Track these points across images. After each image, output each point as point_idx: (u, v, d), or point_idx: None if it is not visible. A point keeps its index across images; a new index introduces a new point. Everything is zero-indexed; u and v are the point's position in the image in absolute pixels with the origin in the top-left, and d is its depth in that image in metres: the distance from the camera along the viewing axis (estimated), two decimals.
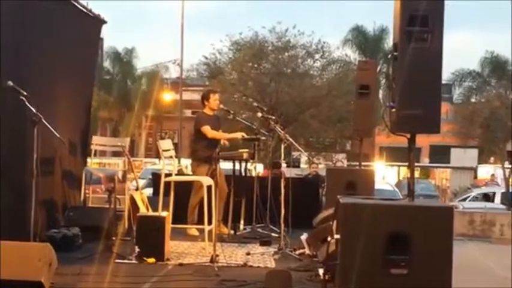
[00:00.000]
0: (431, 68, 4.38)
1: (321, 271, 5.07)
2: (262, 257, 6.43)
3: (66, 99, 7.45)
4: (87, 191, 7.97)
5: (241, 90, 24.96)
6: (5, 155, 5.82)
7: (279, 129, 7.52)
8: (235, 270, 5.70)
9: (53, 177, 7.05)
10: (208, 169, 7.53)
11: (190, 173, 8.32)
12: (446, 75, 27.09)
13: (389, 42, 29.30)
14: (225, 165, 8.05)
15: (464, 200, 21.75)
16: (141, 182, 12.41)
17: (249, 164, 8.15)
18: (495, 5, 66.22)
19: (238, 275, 5.36)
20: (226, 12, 76.01)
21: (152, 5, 74.28)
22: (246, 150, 7.77)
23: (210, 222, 6.53)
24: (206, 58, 27.75)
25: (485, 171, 32.74)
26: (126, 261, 5.85)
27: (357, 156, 9.95)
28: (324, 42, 26.53)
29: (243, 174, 8.00)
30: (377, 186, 8.70)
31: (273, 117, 8.17)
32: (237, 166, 7.87)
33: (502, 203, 20.26)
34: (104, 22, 8.44)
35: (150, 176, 11.78)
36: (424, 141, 34.74)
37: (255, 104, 17.37)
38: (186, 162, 19.59)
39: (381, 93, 28.68)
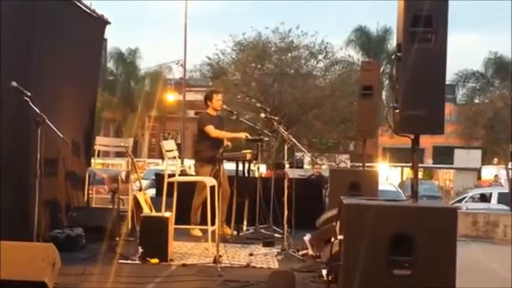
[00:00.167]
0: (435, 68, 4.37)
1: (324, 272, 5.07)
2: (265, 258, 6.43)
3: (70, 100, 7.46)
4: (90, 192, 7.98)
5: (245, 90, 24.99)
6: (8, 155, 5.83)
7: (282, 130, 7.51)
8: (238, 270, 5.70)
9: (57, 178, 7.06)
10: (212, 169, 7.54)
11: (194, 173, 8.32)
12: (449, 75, 27.13)
13: (392, 43, 29.34)
14: (228, 166, 8.05)
15: (461, 200, 21.70)
16: (145, 183, 12.45)
17: (252, 165, 8.15)
18: (499, 5, 66.11)
19: (241, 276, 5.36)
20: (229, 12, 76.14)
21: (155, 6, 74.51)
22: (249, 151, 7.77)
23: (213, 223, 6.52)
24: (209, 59, 27.83)
25: (488, 172, 32.68)
26: (129, 261, 5.85)
27: (360, 157, 9.95)
28: (327, 43, 26.59)
29: (246, 174, 8.00)
30: (380, 187, 8.69)
31: (276, 118, 8.18)
32: (240, 167, 7.87)
33: (498, 203, 20.20)
34: (108, 23, 8.44)
35: (154, 177, 11.81)
36: (427, 142, 34.68)
37: (258, 104, 17.44)
38: (189, 163, 19.64)
39: (384, 94, 28.66)
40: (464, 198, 22.16)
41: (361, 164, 8.96)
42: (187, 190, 7.56)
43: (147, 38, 72.16)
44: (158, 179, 9.23)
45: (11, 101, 5.70)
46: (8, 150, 5.85)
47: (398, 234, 4.13)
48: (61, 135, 5.86)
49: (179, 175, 7.70)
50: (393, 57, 4.59)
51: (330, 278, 4.76)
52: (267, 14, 66.32)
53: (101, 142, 8.43)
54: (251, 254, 6.50)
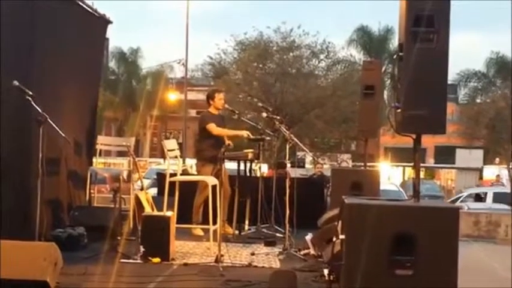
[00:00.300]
0: (437, 68, 4.37)
1: (326, 271, 5.07)
2: (267, 257, 6.43)
3: (72, 99, 7.47)
4: (92, 191, 7.99)
5: (246, 90, 24.99)
6: (10, 154, 5.84)
7: (284, 130, 7.51)
8: (240, 270, 5.70)
9: (59, 177, 7.07)
10: (213, 169, 7.53)
11: (195, 172, 8.32)
12: (451, 75, 27.07)
13: (394, 43, 29.32)
14: (230, 165, 8.05)
15: (456, 200, 21.68)
16: (146, 182, 12.42)
17: (253, 164, 8.15)
18: (500, 5, 66.06)
19: (243, 275, 5.36)
20: (231, 12, 76.12)
21: (157, 5, 74.50)
22: (251, 150, 7.78)
23: (214, 222, 6.53)
24: (211, 58, 27.85)
25: (490, 172, 32.64)
26: (131, 260, 5.85)
27: (362, 156, 9.95)
28: (329, 43, 26.59)
29: (248, 174, 8.00)
30: (382, 186, 8.68)
31: (278, 118, 8.16)
32: (242, 166, 7.87)
33: (494, 202, 20.17)
34: (109, 22, 8.45)
35: (155, 176, 11.81)
36: (429, 141, 34.67)
37: (260, 104, 17.40)
38: (191, 162, 19.61)
39: (386, 93, 28.67)
40: (460, 198, 22.14)
41: (362, 164, 8.95)
42: (188, 189, 7.56)
43: (149, 38, 72.28)
44: (160, 179, 9.24)
45: (12, 100, 5.71)
46: (10, 149, 5.86)
47: (400, 234, 4.13)
48: (63, 135, 5.86)
49: (181, 174, 7.71)
50: (395, 56, 4.61)
51: (331, 277, 4.77)
52: (268, 14, 66.41)
53: (102, 141, 8.45)
54: (253, 254, 6.50)
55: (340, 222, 4.62)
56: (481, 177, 34.50)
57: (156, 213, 6.83)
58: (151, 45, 68.43)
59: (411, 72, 4.31)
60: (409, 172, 32.44)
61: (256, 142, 7.98)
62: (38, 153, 5.32)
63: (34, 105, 5.37)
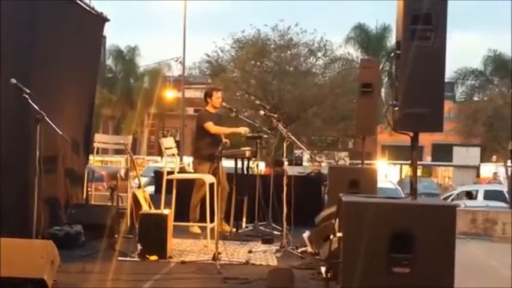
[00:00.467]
0: (434, 66, 4.37)
1: (323, 269, 5.08)
2: (264, 255, 6.43)
3: (69, 97, 7.46)
4: (89, 189, 7.98)
5: (244, 88, 25.00)
6: (8, 152, 5.83)
7: (282, 127, 7.52)
8: (237, 268, 5.71)
9: (56, 175, 7.06)
10: (210, 167, 7.54)
11: (192, 170, 8.32)
12: (448, 73, 27.10)
13: (392, 41, 29.31)
14: (227, 163, 8.05)
15: (447, 198, 21.72)
16: (144, 180, 12.44)
17: (251, 162, 8.15)
18: (498, 3, 66.12)
19: (240, 273, 5.37)
20: (228, 10, 76.11)
21: (155, 3, 74.40)
22: (248, 148, 7.78)
23: (212, 220, 6.53)
24: (208, 56, 27.85)
25: (487, 169, 32.73)
26: (128, 258, 5.86)
27: (359, 154, 9.95)
28: (327, 41, 26.61)
29: (245, 172, 8.01)
30: (379, 184, 8.69)
31: (276, 116, 8.17)
32: (239, 164, 7.87)
33: (484, 199, 20.25)
34: (107, 20, 8.44)
35: (153, 174, 11.79)
36: (426, 139, 34.68)
37: (258, 102, 17.42)
38: (188, 160, 19.60)
39: (383, 91, 28.67)
40: (451, 195, 22.18)
41: (360, 162, 8.96)
42: (186, 187, 7.57)
43: (147, 36, 72.18)
44: (157, 177, 9.23)
45: (10, 98, 5.70)
46: (8, 147, 5.85)
47: (398, 231, 4.13)
48: (60, 133, 5.85)
49: (178, 172, 7.71)
50: (392, 54, 4.59)
51: (329, 275, 4.77)
52: (266, 12, 66.31)
53: (99, 139, 8.43)
54: (250, 251, 6.51)
55: (337, 220, 4.63)
56: (478, 175, 34.57)
57: (153, 211, 6.83)
58: (149, 44, 68.58)
59: (409, 70, 4.31)
60: (406, 170, 32.46)
61: (253, 140, 7.98)
62: (36, 151, 5.32)
63: (31, 103, 5.37)
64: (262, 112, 8.47)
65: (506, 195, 20.92)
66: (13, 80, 5.40)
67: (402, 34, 4.36)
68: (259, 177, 8.34)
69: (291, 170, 7.99)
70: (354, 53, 31.04)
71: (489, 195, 20.72)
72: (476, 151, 35.46)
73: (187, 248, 6.69)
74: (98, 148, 8.29)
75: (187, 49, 30.67)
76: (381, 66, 28.27)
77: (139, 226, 6.08)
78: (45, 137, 5.40)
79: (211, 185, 6.78)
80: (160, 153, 24.03)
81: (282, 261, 6.14)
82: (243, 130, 7.98)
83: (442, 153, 38.59)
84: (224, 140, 7.74)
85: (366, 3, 66.37)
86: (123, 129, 35.32)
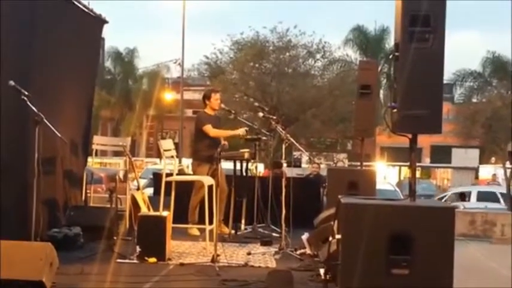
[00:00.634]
0: (432, 68, 4.37)
1: (322, 271, 5.08)
2: (263, 257, 6.43)
3: (68, 98, 7.46)
4: (88, 191, 7.97)
5: (243, 90, 25.01)
6: (6, 154, 5.83)
7: (280, 129, 7.52)
8: (236, 270, 5.70)
9: (55, 177, 7.05)
10: (209, 169, 7.55)
11: (191, 172, 8.32)
12: (447, 75, 27.05)
13: (390, 42, 29.31)
14: (226, 165, 8.05)
15: (440, 199, 21.75)
16: (142, 182, 12.43)
17: (250, 164, 8.15)
18: (496, 4, 66.18)
19: (239, 275, 5.37)
20: (227, 12, 76.11)
21: (154, 5, 74.39)
22: (247, 150, 7.77)
23: (211, 222, 6.53)
24: (207, 58, 27.84)
25: (486, 171, 32.72)
26: (127, 260, 5.85)
27: (358, 156, 9.94)
28: (325, 42, 26.62)
29: (244, 174, 8.00)
30: (378, 186, 8.69)
31: (274, 117, 8.17)
32: (238, 166, 7.87)
33: (477, 201, 20.30)
34: (105, 22, 8.43)
35: (151, 176, 11.79)
36: (425, 141, 34.73)
37: (256, 103, 17.46)
38: (187, 162, 19.61)
39: (382, 93, 28.68)
40: (444, 197, 22.21)
41: (359, 163, 8.95)
42: (185, 189, 7.57)
43: (145, 38, 72.16)
44: (156, 178, 9.23)
45: (9, 100, 5.70)
46: (7, 149, 5.85)
47: (396, 233, 4.13)
48: (59, 135, 5.85)
49: (177, 174, 7.70)
50: (391, 56, 4.60)
51: (327, 277, 4.77)
52: (264, 14, 66.33)
53: (98, 141, 8.43)
54: (249, 253, 6.50)
55: (336, 221, 4.63)
56: (477, 177, 34.57)
57: (152, 213, 6.83)
58: (148, 45, 68.43)
59: (407, 72, 4.32)
60: (405, 172, 32.48)
61: (252, 142, 7.97)
62: (35, 153, 5.31)
63: (30, 105, 5.37)
64: (261, 114, 8.47)
65: (499, 197, 20.97)
66: (11, 82, 5.40)
67: (401, 36, 4.36)
68: (258, 179, 8.34)
69: (289, 172, 7.99)
70: (353, 54, 31.07)
71: (482, 196, 20.76)
72: (475, 153, 35.49)
73: (186, 250, 6.68)
74: (96, 150, 8.29)
75: (186, 51, 30.74)
76: (379, 68, 28.30)
77: (138, 228, 6.07)
78: (44, 138, 5.40)
79: (210, 187, 6.77)
80: (159, 155, 24.00)
81: (280, 263, 6.14)
82: (242, 131, 7.98)
83: (441, 154, 38.61)
84: (223, 141, 7.73)
85: (365, 3, 66.35)
86: (121, 131, 35.33)
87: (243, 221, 8.00)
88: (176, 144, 15.95)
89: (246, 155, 7.66)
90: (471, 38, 72.89)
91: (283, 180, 6.91)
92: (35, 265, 4.45)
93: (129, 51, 38.11)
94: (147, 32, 75.23)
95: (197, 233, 7.52)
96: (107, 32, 8.66)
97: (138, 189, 7.71)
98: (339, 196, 4.64)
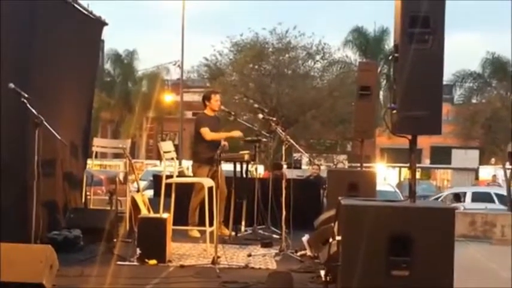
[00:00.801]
0: (432, 69, 4.38)
1: (322, 272, 5.07)
2: (263, 259, 6.43)
3: (68, 100, 7.46)
4: (88, 193, 7.97)
5: (242, 91, 25.02)
6: (6, 156, 5.82)
7: (280, 131, 7.52)
8: (236, 271, 5.70)
9: (55, 179, 7.05)
10: (209, 170, 7.54)
11: (191, 174, 8.32)
12: (446, 76, 27.05)
13: (389, 43, 29.33)
14: (226, 167, 8.05)
15: (435, 200, 21.76)
16: (142, 184, 12.42)
17: (250, 166, 8.15)
18: (496, 5, 66.24)
19: (239, 277, 5.37)
20: (226, 13, 76.04)
21: (153, 8, 74.32)
22: (247, 151, 7.78)
23: (211, 224, 6.53)
24: (207, 59, 27.87)
25: (486, 172, 32.70)
26: (127, 263, 5.85)
27: (358, 157, 9.94)
28: (325, 44, 26.64)
29: (244, 175, 8.00)
30: (378, 187, 8.69)
31: (274, 119, 8.17)
32: (238, 168, 7.87)
33: (472, 202, 20.33)
34: (105, 24, 8.44)
35: (151, 178, 11.78)
36: (425, 142, 34.73)
37: (256, 105, 17.44)
38: (187, 164, 19.61)
39: (381, 94, 28.69)
40: (439, 197, 22.23)
41: (359, 165, 8.95)
42: (185, 191, 7.56)
43: (145, 40, 72.12)
44: (156, 180, 9.23)
45: (9, 102, 5.70)
46: (7, 151, 5.84)
47: (396, 234, 4.13)
48: (59, 137, 5.85)
49: (177, 176, 7.70)
50: (390, 57, 4.60)
51: (328, 278, 4.77)
52: (264, 15, 66.35)
53: (98, 143, 8.44)
54: (249, 255, 6.50)
55: (336, 223, 4.63)
56: (477, 178, 34.56)
57: (152, 215, 6.83)
58: (147, 47, 68.43)
59: (407, 73, 4.32)
60: (405, 173, 32.47)
61: (252, 143, 7.97)
62: (35, 155, 5.31)
63: (30, 107, 5.37)
64: (260, 115, 8.46)
65: (494, 197, 21.00)
66: (11, 85, 5.40)
67: (400, 37, 4.36)
68: (258, 181, 8.34)
69: (289, 173, 7.99)
70: (352, 56, 31.12)
71: (477, 197, 20.79)
72: (474, 153, 35.49)
73: (187, 251, 6.68)
74: (96, 152, 8.29)
75: (186, 52, 30.73)
76: (379, 69, 28.32)
77: (138, 230, 6.07)
78: (43, 140, 5.40)
79: (210, 189, 6.77)
80: (159, 157, 24.00)
81: (281, 264, 6.13)
82: (237, 133, 7.98)
83: (441, 155, 38.62)
84: (223, 142, 7.74)
85: (364, 4, 66.37)
86: (121, 133, 35.34)
87: (243, 223, 8.00)
88: (176, 146, 15.96)
89: (246, 157, 7.66)
90: (471, 38, 72.95)
91: (283, 181, 6.91)
92: (35, 267, 4.45)
93: (128, 53, 38.17)
94: (146, 33, 75.25)
95: (197, 234, 7.52)
96: (106, 34, 8.67)
97: (138, 191, 7.72)
98: (339, 197, 4.64)
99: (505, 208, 19.43)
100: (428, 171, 40.28)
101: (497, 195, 21.26)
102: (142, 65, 38.98)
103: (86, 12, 7.75)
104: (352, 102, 14.32)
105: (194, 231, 7.62)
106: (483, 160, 35.91)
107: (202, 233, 7.03)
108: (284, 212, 6.76)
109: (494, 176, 28.68)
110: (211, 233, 6.39)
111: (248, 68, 25.49)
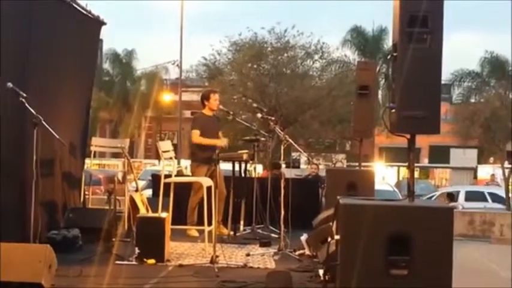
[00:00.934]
0: (431, 68, 4.38)
1: (321, 272, 5.07)
2: (262, 258, 6.43)
3: (66, 100, 7.46)
4: (86, 192, 7.97)
5: (241, 91, 24.98)
6: (5, 156, 5.82)
7: (279, 130, 7.52)
8: (235, 271, 5.70)
9: (53, 179, 7.05)
10: (208, 170, 7.54)
11: (190, 173, 8.31)
12: (445, 75, 27.03)
13: (388, 43, 29.30)
14: (225, 166, 8.04)
15: (429, 199, 21.80)
16: (141, 183, 12.42)
17: (248, 165, 8.15)
18: (495, 5, 66.26)
19: (238, 276, 5.36)
20: (225, 13, 76.07)
21: (152, 7, 74.31)
22: (246, 151, 7.77)
23: (210, 223, 6.53)
24: (205, 59, 27.85)
25: (485, 171, 32.75)
26: (126, 262, 5.85)
27: (356, 156, 9.94)
28: (323, 43, 26.60)
29: (243, 175, 8.00)
30: (377, 186, 8.68)
31: (273, 118, 8.17)
32: (237, 167, 7.87)
33: (466, 201, 20.38)
34: (104, 24, 8.43)
35: (150, 177, 11.78)
36: (423, 141, 34.73)
37: (255, 104, 17.41)
38: (186, 163, 19.60)
39: (380, 93, 28.67)
40: (433, 197, 22.26)
41: (357, 164, 8.95)
42: (183, 191, 7.56)
43: (144, 39, 72.13)
44: (155, 180, 9.23)
45: (7, 102, 5.70)
46: (5, 151, 5.84)
47: (395, 233, 4.14)
48: (57, 136, 5.85)
49: (176, 176, 7.70)
50: (389, 57, 4.60)
51: (326, 277, 4.77)
52: (262, 15, 66.33)
53: (96, 143, 8.43)
54: (248, 254, 6.50)
55: (335, 222, 4.63)
56: (475, 177, 34.60)
57: (151, 214, 6.83)
58: (146, 47, 68.38)
59: (405, 73, 4.32)
60: (404, 172, 32.50)
61: (251, 143, 7.97)
62: (33, 155, 5.31)
63: (28, 107, 5.36)
64: (259, 115, 8.47)
65: (487, 196, 21.04)
66: (9, 84, 5.39)
67: (399, 36, 4.37)
68: (257, 180, 8.34)
69: (288, 173, 8.02)
70: (351, 55, 31.07)
71: (470, 196, 20.83)
72: (473, 153, 35.53)
73: (185, 251, 6.68)
74: (95, 151, 8.29)
75: (185, 52, 30.74)
76: (377, 69, 28.32)
77: (137, 229, 6.07)
78: (42, 140, 5.40)
79: (209, 188, 6.77)
80: (157, 157, 24.01)
81: (279, 264, 6.14)
82: (223, 142, 7.85)
83: (439, 155, 38.65)
84: (224, 143, 7.74)
85: (362, 6, 66.39)
86: (120, 133, 35.29)
87: (241, 222, 8.00)
88: (175, 146, 15.95)
89: (245, 156, 7.66)
90: (469, 38, 72.95)
91: (282, 181, 6.91)
92: (34, 267, 4.45)
93: (127, 53, 38.12)
94: (145, 33, 75.20)
95: (196, 234, 7.52)
96: (105, 33, 8.67)
97: (136, 190, 7.71)
98: (338, 197, 4.65)
99: (502, 207, 19.48)
100: (427, 170, 40.32)
101: (490, 194, 21.32)
102: (141, 65, 39.07)
103: (84, 12, 7.74)
104: (351, 102, 14.32)
105: (193, 231, 7.62)
106: (482, 159, 35.95)
107: (201, 232, 7.03)
108: (283, 212, 6.76)
109: (493, 175, 28.72)
110: (210, 232, 6.39)
111: (247, 68, 25.46)
